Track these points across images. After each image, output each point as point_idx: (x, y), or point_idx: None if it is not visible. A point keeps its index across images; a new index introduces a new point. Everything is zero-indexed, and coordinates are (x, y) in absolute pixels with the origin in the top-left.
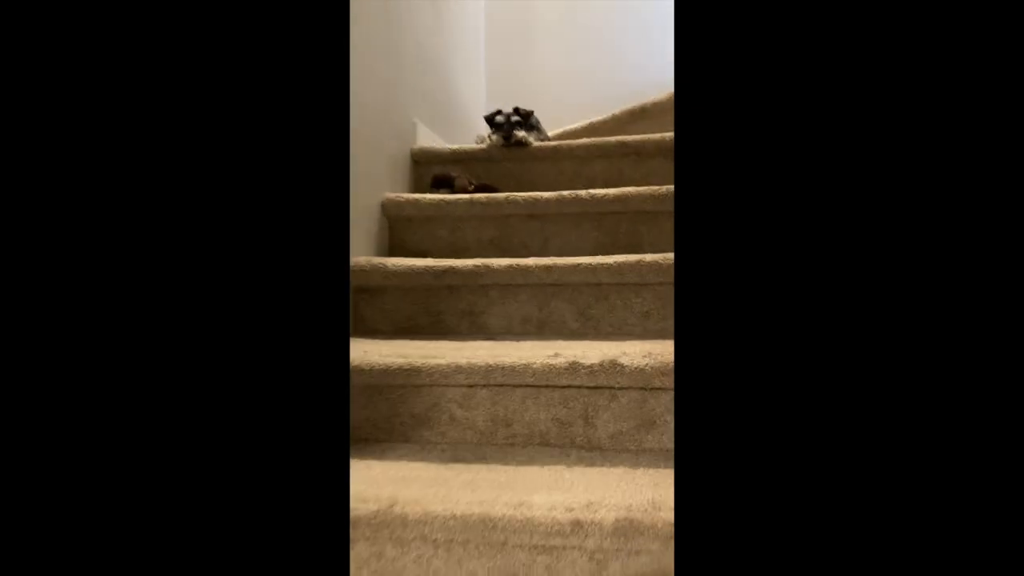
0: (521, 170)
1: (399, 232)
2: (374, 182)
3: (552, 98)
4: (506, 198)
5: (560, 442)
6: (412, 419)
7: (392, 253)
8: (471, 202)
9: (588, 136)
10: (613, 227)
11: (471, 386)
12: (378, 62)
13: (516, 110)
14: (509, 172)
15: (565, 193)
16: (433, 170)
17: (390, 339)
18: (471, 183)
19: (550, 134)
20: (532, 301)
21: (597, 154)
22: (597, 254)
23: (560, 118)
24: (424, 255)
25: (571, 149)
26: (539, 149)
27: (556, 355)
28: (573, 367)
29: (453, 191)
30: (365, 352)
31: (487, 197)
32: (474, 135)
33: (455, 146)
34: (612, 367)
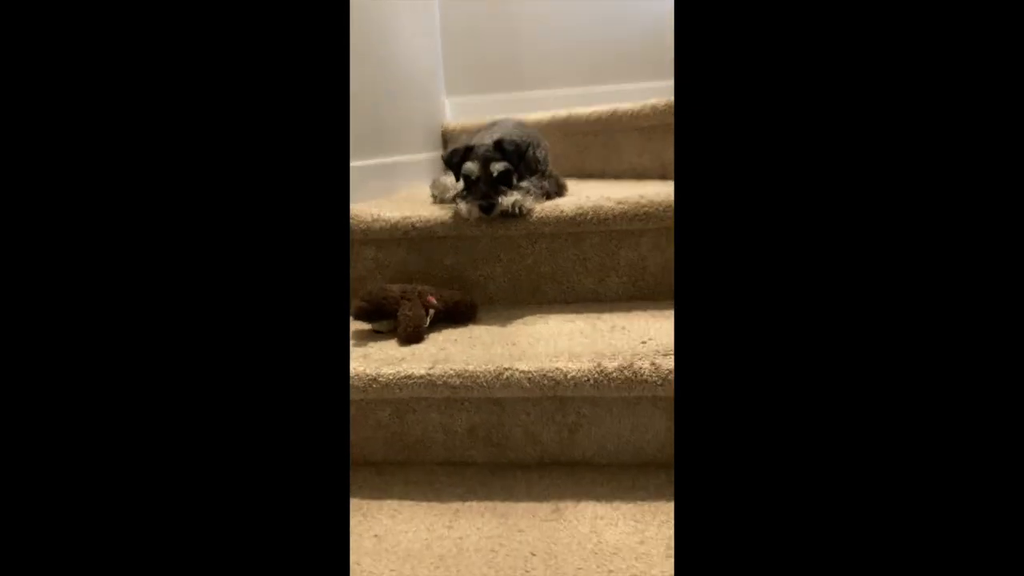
0: (513, 255)
1: None
2: None
3: (541, 55)
4: (498, 375)
5: None
6: None
7: None
8: (430, 382)
9: (604, 130)
10: None
11: None
12: None
13: (499, 145)
14: (493, 256)
15: (609, 366)
16: (365, 258)
17: None
18: (429, 306)
19: (540, 117)
20: None
21: (647, 226)
22: (663, 462)
23: (553, 80)
24: (353, 456)
25: (600, 218)
26: (544, 223)
27: None
28: None
29: (395, 330)
30: None
31: (464, 375)
32: (425, 138)
33: (396, 215)
34: None
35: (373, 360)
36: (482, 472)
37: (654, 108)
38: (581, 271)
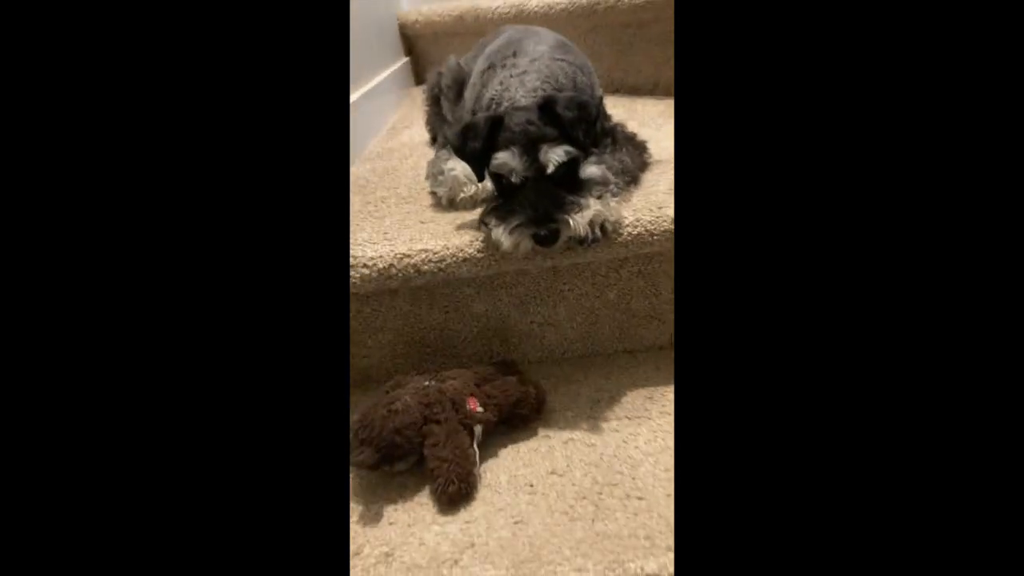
0: (587, 289)
1: None
2: None
3: None
4: None
5: None
6: None
7: None
8: None
9: (657, 19)
10: None
11: None
12: None
13: (548, 108)
14: (553, 292)
15: None
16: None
17: None
18: (474, 421)
19: (550, 1)
20: None
21: None
22: None
23: None
24: None
25: None
26: (643, 241)
27: None
28: None
29: (420, 465)
30: None
31: None
32: (381, 44)
33: (386, 253)
34: None
35: (404, 565)
36: None
37: None
38: None
